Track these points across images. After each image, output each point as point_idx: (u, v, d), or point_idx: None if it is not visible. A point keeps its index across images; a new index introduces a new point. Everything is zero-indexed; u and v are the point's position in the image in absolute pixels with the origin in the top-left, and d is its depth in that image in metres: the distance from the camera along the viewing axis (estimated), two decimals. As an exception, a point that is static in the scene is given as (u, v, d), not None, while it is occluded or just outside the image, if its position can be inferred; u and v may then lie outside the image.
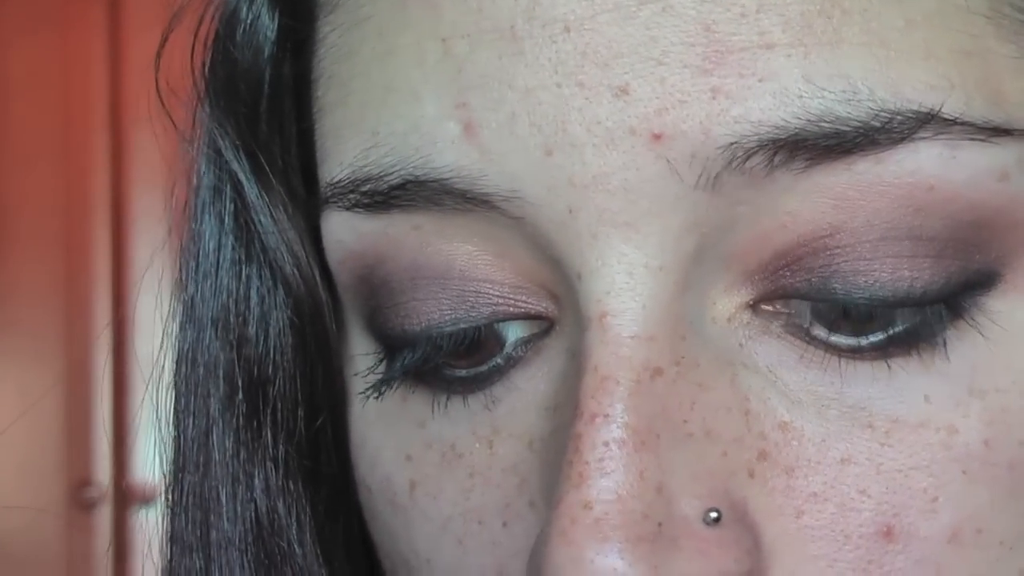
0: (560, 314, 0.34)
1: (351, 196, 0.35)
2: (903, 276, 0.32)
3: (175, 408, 0.41)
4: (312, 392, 0.39)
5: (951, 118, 0.31)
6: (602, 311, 0.32)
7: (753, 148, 0.31)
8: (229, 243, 0.40)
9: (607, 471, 0.31)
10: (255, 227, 0.40)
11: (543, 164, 0.32)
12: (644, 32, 0.31)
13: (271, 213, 0.39)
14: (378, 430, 0.37)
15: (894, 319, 0.32)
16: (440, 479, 0.35)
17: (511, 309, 0.34)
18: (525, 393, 0.34)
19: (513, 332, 0.34)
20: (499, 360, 0.35)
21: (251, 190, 0.39)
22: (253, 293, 0.40)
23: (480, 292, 0.34)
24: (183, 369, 0.40)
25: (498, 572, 0.34)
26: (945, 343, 0.32)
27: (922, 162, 0.31)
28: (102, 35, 1.82)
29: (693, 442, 0.31)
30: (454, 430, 0.35)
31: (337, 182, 0.35)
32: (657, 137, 0.31)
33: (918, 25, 0.31)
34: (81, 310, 1.89)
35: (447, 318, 0.35)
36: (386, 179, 0.34)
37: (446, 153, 0.33)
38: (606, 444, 0.31)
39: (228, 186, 0.40)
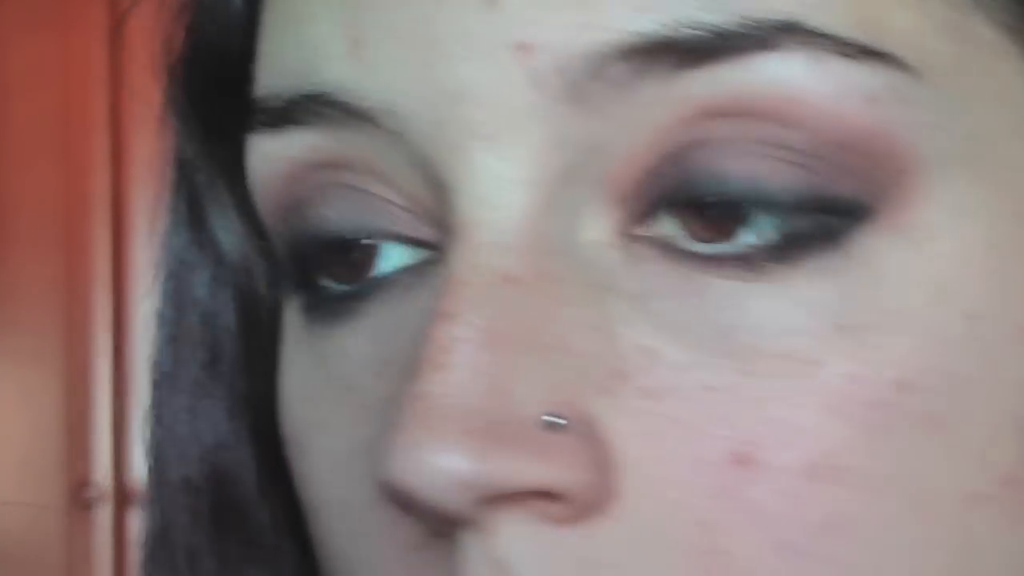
0: (446, 240, 0.33)
1: (256, 117, 0.36)
2: (765, 178, 0.31)
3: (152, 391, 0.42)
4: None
5: (817, 29, 0.31)
6: (464, 221, 0.32)
7: (613, 55, 0.31)
8: (185, 236, 0.41)
9: (444, 365, 0.31)
10: (207, 223, 0.41)
11: (417, 77, 0.32)
12: None
13: (219, 207, 0.40)
14: (286, 375, 0.38)
15: (759, 230, 0.31)
16: (335, 415, 0.36)
17: (401, 234, 0.34)
18: (409, 322, 0.34)
19: (401, 257, 0.35)
20: (384, 288, 0.35)
21: (202, 181, 0.40)
22: (203, 292, 0.41)
23: (376, 213, 0.35)
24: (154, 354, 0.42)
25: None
26: (812, 273, 0.31)
27: (786, 71, 0.31)
28: (102, 35, 1.82)
29: (545, 351, 0.31)
30: (348, 366, 0.35)
31: (247, 106, 0.36)
32: (523, 47, 0.31)
33: None
34: (81, 310, 1.89)
35: (345, 227, 0.35)
36: (281, 96, 0.35)
37: (333, 68, 0.33)
38: (449, 341, 0.31)
39: (183, 177, 0.41)
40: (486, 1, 0.32)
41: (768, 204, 0.32)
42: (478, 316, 0.31)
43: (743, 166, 0.31)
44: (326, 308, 0.36)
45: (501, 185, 0.32)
